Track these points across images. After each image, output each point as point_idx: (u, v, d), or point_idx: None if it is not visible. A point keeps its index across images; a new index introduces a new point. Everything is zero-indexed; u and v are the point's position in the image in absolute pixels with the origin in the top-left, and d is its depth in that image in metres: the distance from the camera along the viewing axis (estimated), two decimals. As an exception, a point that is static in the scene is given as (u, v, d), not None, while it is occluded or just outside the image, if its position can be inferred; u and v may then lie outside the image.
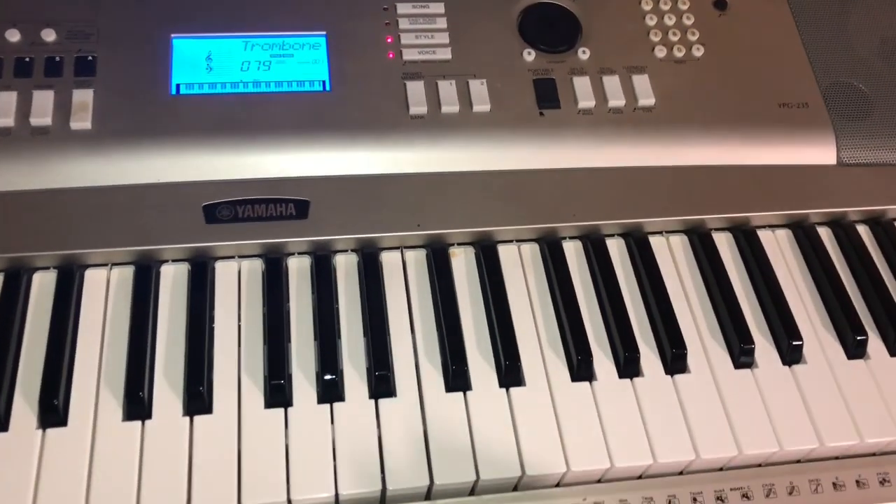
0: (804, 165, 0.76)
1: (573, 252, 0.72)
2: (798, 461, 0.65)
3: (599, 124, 0.75)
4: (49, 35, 0.72)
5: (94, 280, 0.66)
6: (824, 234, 0.75)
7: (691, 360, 0.67)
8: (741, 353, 0.67)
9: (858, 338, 0.68)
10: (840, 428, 0.64)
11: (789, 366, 0.67)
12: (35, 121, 0.68)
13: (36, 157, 0.67)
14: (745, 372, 0.67)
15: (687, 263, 0.72)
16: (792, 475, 0.63)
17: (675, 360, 0.66)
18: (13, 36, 0.71)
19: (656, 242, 0.73)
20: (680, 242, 0.74)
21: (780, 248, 0.74)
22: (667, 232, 0.74)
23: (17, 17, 0.72)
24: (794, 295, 0.71)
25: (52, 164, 0.67)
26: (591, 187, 0.72)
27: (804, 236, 0.74)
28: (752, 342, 0.67)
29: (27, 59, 0.70)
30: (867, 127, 0.78)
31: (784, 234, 0.75)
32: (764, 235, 0.74)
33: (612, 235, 0.73)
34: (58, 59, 0.71)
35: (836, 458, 0.65)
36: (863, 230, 0.76)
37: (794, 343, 0.67)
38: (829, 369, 0.67)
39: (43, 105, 0.68)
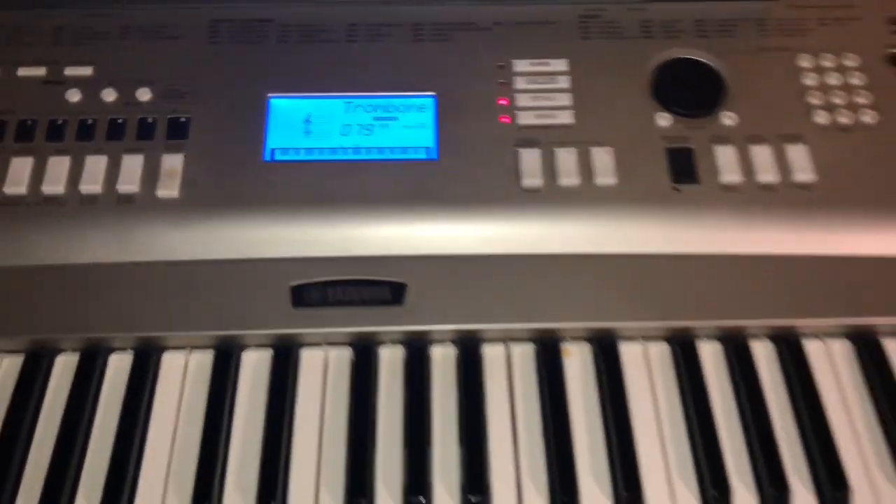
0: None
1: (710, 356, 0.61)
2: None
3: (746, 203, 0.64)
4: (144, 94, 0.68)
5: (171, 365, 0.61)
6: None
7: (856, 500, 0.54)
8: (922, 497, 0.54)
9: None
10: None
11: None
12: (122, 188, 0.64)
13: (119, 228, 0.63)
14: (927, 522, 0.54)
15: (851, 376, 0.60)
16: None
17: (834, 500, 0.54)
18: (109, 96, 0.68)
19: (813, 348, 0.61)
20: (842, 350, 0.61)
21: (971, 363, 0.61)
22: (826, 336, 0.62)
23: (114, 75, 0.69)
24: None
25: (135, 235, 0.63)
26: (735, 278, 0.62)
27: None
28: (937, 484, 0.54)
29: (120, 121, 0.67)
30: None
31: (979, 344, 0.62)
32: (951, 346, 0.61)
33: (758, 337, 0.62)
34: (150, 120, 0.67)
35: None
36: None
37: None
38: None
39: (131, 171, 0.64)
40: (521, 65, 0.69)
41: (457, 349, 0.61)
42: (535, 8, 0.72)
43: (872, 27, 0.72)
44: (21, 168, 0.64)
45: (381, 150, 0.66)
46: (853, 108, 0.68)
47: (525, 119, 0.67)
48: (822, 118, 0.67)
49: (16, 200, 0.63)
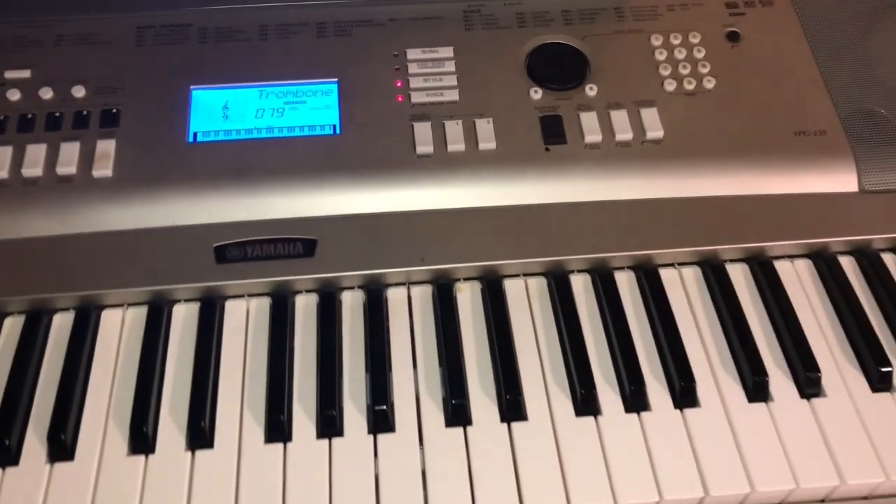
0: (824, 193, 0.74)
1: (581, 286, 0.71)
2: (822, 501, 0.61)
3: (606, 158, 0.74)
4: (79, 91, 0.76)
5: (109, 320, 0.68)
6: (847, 263, 0.72)
7: (702, 393, 0.64)
8: (755, 386, 0.64)
9: (883, 370, 0.65)
10: (863, 464, 0.61)
11: (807, 399, 0.64)
12: (60, 170, 0.72)
13: (59, 205, 0.71)
14: (760, 405, 0.64)
15: (700, 296, 0.71)
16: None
17: (683, 394, 0.64)
18: (46, 94, 0.76)
19: (667, 275, 0.71)
20: (692, 274, 0.72)
21: (799, 279, 0.72)
22: (679, 264, 0.72)
23: (50, 76, 0.77)
24: (813, 326, 0.68)
25: (74, 210, 0.71)
26: (599, 220, 0.72)
27: (825, 266, 0.72)
28: (766, 374, 0.64)
29: (57, 114, 0.75)
30: (891, 152, 0.75)
31: (804, 265, 0.73)
32: (782, 266, 0.72)
33: (621, 268, 0.72)
34: (85, 112, 0.75)
35: (863, 497, 0.61)
36: (889, 259, 0.73)
37: (811, 375, 0.64)
38: (852, 403, 0.64)
39: (69, 156, 0.72)
40: (413, 53, 0.79)
41: (364, 293, 0.70)
42: (425, 5, 0.83)
43: (713, 10, 0.84)
44: (-34, 159, 0.71)
45: (291, 128, 0.76)
46: (697, 76, 0.79)
47: (418, 98, 0.77)
48: (670, 86, 0.78)
49: (-37, 187, 0.70)
